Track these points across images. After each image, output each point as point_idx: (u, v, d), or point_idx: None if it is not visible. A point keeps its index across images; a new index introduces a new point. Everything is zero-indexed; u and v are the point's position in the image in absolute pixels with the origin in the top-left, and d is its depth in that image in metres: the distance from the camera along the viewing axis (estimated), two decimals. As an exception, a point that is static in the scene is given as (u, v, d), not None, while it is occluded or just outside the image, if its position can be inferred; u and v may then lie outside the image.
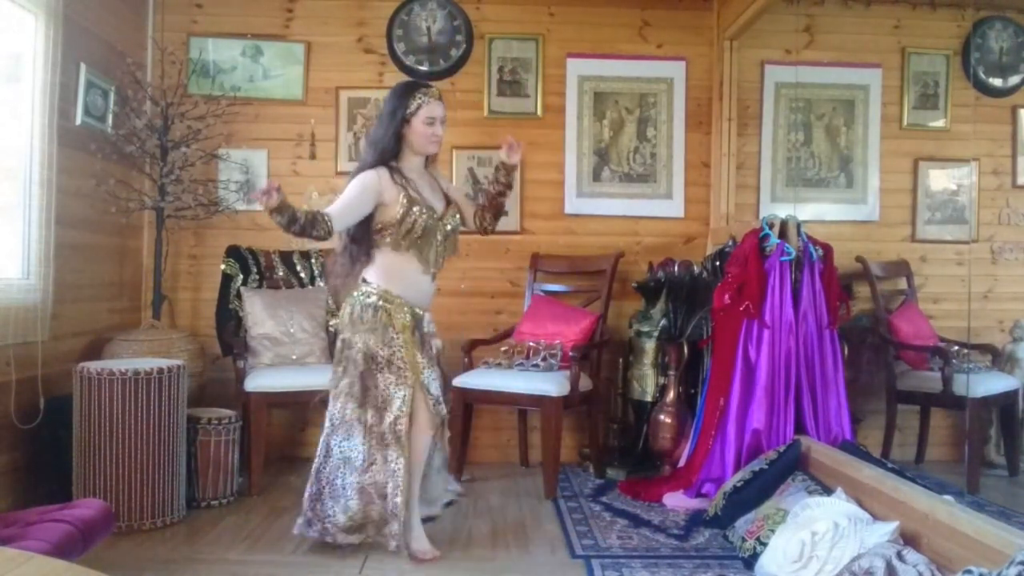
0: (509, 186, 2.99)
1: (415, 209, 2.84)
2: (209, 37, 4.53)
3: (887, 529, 2.49)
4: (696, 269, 4.24)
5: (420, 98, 2.84)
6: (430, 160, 3.03)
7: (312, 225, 2.67)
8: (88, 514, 2.10)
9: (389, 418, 2.82)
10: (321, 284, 4.44)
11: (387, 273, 2.90)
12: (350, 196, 2.81)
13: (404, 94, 2.86)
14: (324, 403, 3.03)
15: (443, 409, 2.97)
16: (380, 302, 2.86)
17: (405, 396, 2.82)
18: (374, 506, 2.86)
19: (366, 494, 2.85)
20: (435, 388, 2.93)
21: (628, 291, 4.47)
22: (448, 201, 3.02)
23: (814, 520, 2.65)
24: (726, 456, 3.63)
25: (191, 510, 3.46)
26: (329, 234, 2.75)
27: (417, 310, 2.95)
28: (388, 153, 2.86)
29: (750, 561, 2.85)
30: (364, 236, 2.91)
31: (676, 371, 4.10)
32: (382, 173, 2.84)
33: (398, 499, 2.80)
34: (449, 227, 2.95)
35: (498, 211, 3.06)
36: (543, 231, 4.62)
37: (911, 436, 4.52)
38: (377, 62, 4.61)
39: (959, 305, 4.49)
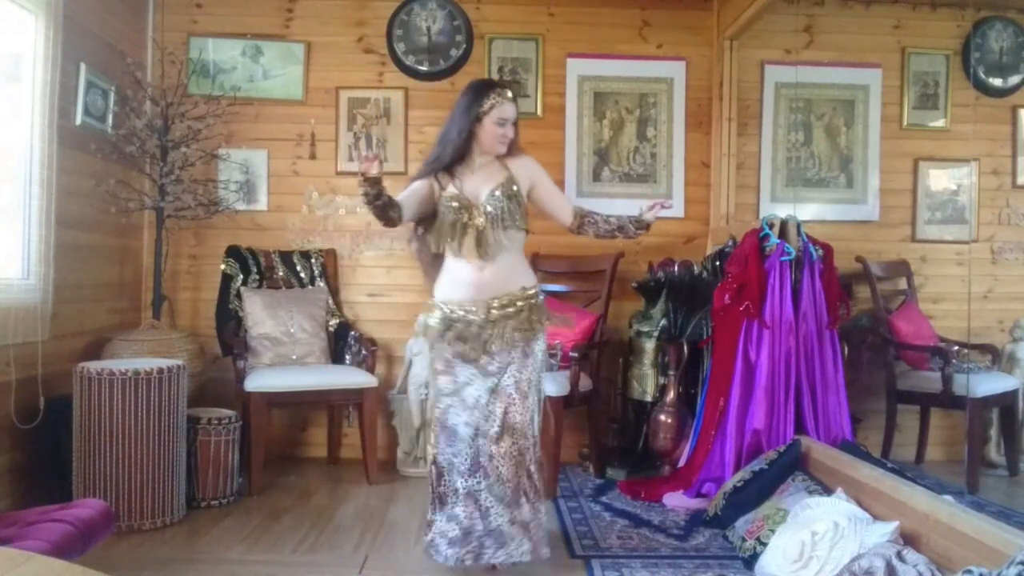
0: (635, 236, 2.94)
1: (443, 204, 2.77)
2: (209, 37, 4.53)
3: (887, 529, 2.49)
4: (696, 269, 4.24)
5: (494, 98, 2.78)
6: (511, 152, 2.89)
7: (391, 205, 2.65)
8: (88, 514, 2.10)
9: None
10: (321, 284, 4.44)
11: (442, 276, 2.85)
12: (415, 183, 2.83)
13: (479, 92, 2.81)
14: None
15: (451, 420, 2.73)
16: (432, 307, 2.83)
17: (419, 398, 2.81)
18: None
19: None
20: (445, 397, 2.74)
21: (628, 291, 4.47)
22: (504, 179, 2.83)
23: (814, 520, 2.65)
24: (726, 456, 3.63)
25: (191, 510, 3.46)
26: (400, 220, 2.71)
27: (470, 305, 2.75)
28: (456, 150, 2.80)
29: (750, 561, 2.85)
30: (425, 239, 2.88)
31: (676, 371, 4.10)
32: (431, 181, 2.81)
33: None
34: (491, 208, 2.74)
35: (607, 238, 2.94)
36: (543, 231, 4.59)
37: (911, 436, 4.52)
38: (377, 62, 4.61)
39: (959, 305, 4.49)
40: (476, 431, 2.71)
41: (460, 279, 2.79)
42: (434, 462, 2.79)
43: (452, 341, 2.74)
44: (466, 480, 2.70)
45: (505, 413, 2.72)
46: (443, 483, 2.75)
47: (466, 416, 2.72)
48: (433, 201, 2.81)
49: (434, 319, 2.79)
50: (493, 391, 2.73)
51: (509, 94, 2.83)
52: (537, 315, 2.80)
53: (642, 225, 2.89)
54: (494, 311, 2.74)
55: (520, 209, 2.81)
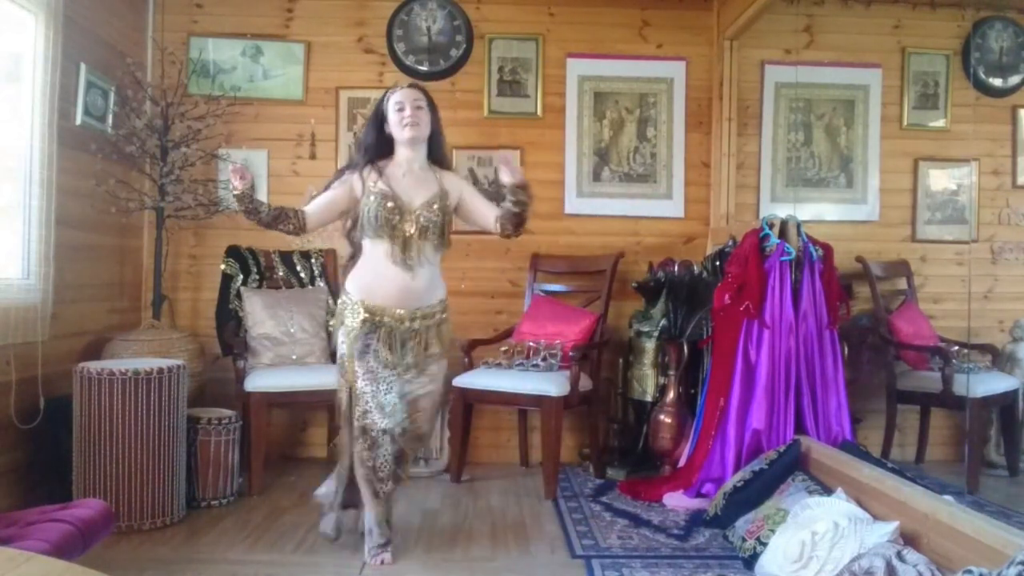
0: (523, 203, 2.87)
1: (371, 197, 2.85)
2: (209, 37, 4.53)
3: (887, 529, 2.49)
4: (696, 269, 4.24)
5: (388, 95, 2.95)
6: (438, 159, 3.02)
7: (277, 219, 2.83)
8: (88, 514, 2.10)
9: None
10: (321, 284, 4.44)
11: (357, 269, 2.93)
12: (327, 191, 2.94)
13: (382, 97, 2.98)
14: None
15: (370, 422, 2.82)
16: (344, 301, 2.93)
17: (345, 398, 2.90)
18: None
19: None
20: (366, 401, 2.82)
21: (628, 291, 4.47)
22: (440, 195, 2.93)
23: (814, 520, 2.65)
24: (726, 456, 3.63)
25: (191, 510, 3.46)
26: (300, 229, 2.88)
27: (398, 311, 2.86)
28: (371, 149, 2.94)
29: (750, 561, 2.85)
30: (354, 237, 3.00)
31: (676, 371, 4.10)
32: (362, 171, 2.92)
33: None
34: (423, 219, 2.84)
35: (519, 223, 2.93)
36: (543, 231, 4.62)
37: (911, 436, 4.52)
38: (377, 62, 4.61)
39: (959, 305, 4.49)
40: (391, 438, 2.84)
41: (387, 283, 2.86)
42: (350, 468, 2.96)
43: (376, 346, 2.84)
44: (386, 485, 2.87)
45: (413, 422, 2.91)
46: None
47: (386, 423, 2.82)
48: (353, 200, 2.91)
49: (357, 319, 2.85)
50: (403, 398, 2.87)
51: (404, 84, 3.01)
52: (447, 328, 3.01)
53: (510, 191, 2.85)
54: (417, 321, 2.88)
55: (448, 227, 2.95)
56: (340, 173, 3.01)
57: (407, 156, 2.94)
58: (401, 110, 2.88)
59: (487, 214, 2.99)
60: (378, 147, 2.95)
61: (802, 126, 4.71)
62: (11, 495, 3.25)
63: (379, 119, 2.95)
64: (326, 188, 2.98)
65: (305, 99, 4.57)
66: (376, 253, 2.87)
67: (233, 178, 2.77)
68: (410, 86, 2.98)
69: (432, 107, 2.97)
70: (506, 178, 2.86)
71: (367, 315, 2.84)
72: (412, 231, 2.85)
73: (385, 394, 2.82)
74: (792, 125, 4.70)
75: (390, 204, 2.83)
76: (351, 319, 2.86)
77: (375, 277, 2.87)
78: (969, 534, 2.26)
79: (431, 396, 2.97)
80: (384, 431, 2.81)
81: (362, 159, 2.95)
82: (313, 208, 2.91)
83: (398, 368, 2.86)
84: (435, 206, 2.88)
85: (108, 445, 3.14)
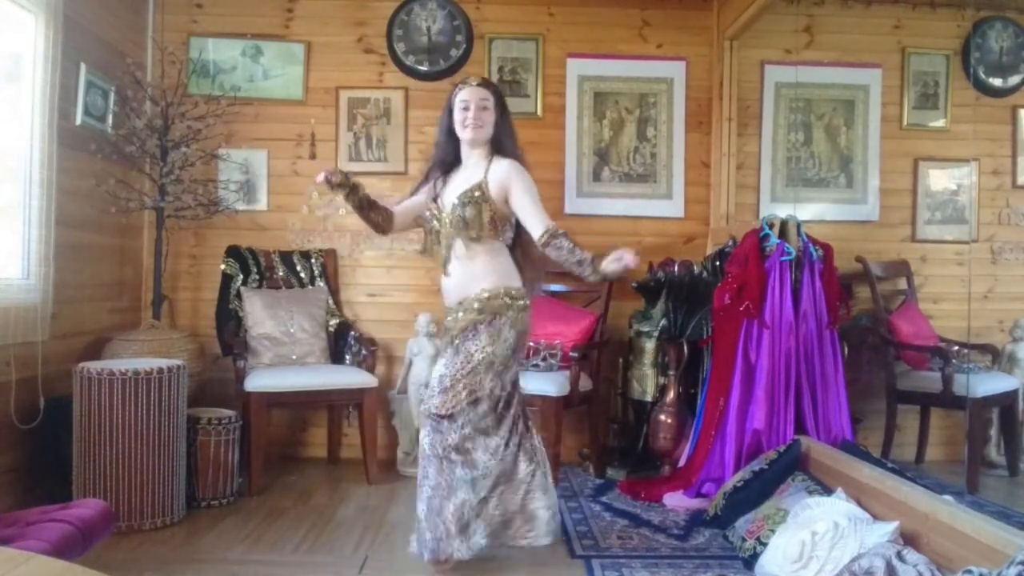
0: (585, 277, 2.70)
1: (427, 214, 2.87)
2: (209, 37, 4.53)
3: (887, 529, 2.49)
4: (696, 269, 4.24)
5: (456, 90, 2.84)
6: (503, 150, 2.84)
7: (374, 207, 2.80)
8: (88, 514, 2.10)
9: None
10: (321, 284, 4.44)
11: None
12: (412, 196, 2.94)
13: (450, 94, 2.88)
14: None
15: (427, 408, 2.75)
16: (503, 303, 2.81)
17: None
18: None
19: None
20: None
21: (628, 291, 4.47)
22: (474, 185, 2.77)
23: (814, 520, 2.65)
24: (726, 456, 3.63)
25: (191, 510, 3.46)
26: (384, 229, 2.84)
27: (454, 312, 2.79)
28: (441, 148, 2.89)
29: (750, 561, 2.85)
30: None
31: (676, 371, 4.10)
32: (423, 188, 2.91)
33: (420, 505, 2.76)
34: (455, 215, 2.73)
35: (563, 265, 2.73)
36: (543, 231, 4.61)
37: (911, 436, 4.52)
38: (377, 62, 4.61)
39: (959, 305, 4.49)
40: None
41: (444, 286, 2.87)
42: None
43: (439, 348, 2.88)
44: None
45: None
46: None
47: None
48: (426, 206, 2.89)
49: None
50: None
51: (473, 82, 2.84)
52: (494, 309, 2.72)
53: (598, 273, 2.61)
54: (459, 315, 2.76)
55: (480, 217, 2.71)
56: (425, 178, 2.94)
57: (471, 154, 2.84)
58: (466, 109, 2.77)
59: (530, 223, 2.72)
60: (448, 145, 2.87)
61: (802, 126, 4.71)
62: (11, 495, 3.25)
63: (448, 117, 2.85)
64: (412, 193, 2.96)
65: (305, 99, 4.58)
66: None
67: (331, 177, 2.67)
68: (480, 84, 2.81)
69: (500, 106, 2.83)
70: (613, 266, 2.57)
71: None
72: (446, 230, 2.77)
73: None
74: (792, 125, 4.70)
75: (428, 211, 2.85)
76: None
77: (442, 282, 2.88)
78: (969, 534, 2.26)
79: (451, 369, 2.84)
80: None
81: (437, 162, 2.90)
82: (399, 210, 2.88)
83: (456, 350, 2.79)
84: (456, 200, 2.74)
85: (108, 445, 3.14)
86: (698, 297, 4.13)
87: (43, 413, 3.32)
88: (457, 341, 2.74)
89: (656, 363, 4.24)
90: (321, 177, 2.69)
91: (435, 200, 2.85)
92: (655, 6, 4.66)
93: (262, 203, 4.55)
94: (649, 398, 4.25)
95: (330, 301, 4.40)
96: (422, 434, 2.80)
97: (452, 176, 2.87)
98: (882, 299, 4.49)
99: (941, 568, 2.26)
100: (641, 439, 4.30)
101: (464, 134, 2.79)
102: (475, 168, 2.81)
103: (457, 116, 2.79)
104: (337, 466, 4.35)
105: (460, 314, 2.75)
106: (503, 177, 2.75)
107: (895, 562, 2.26)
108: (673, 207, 4.66)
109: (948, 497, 2.72)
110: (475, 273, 2.76)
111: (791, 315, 3.66)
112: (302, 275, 4.44)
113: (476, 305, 2.72)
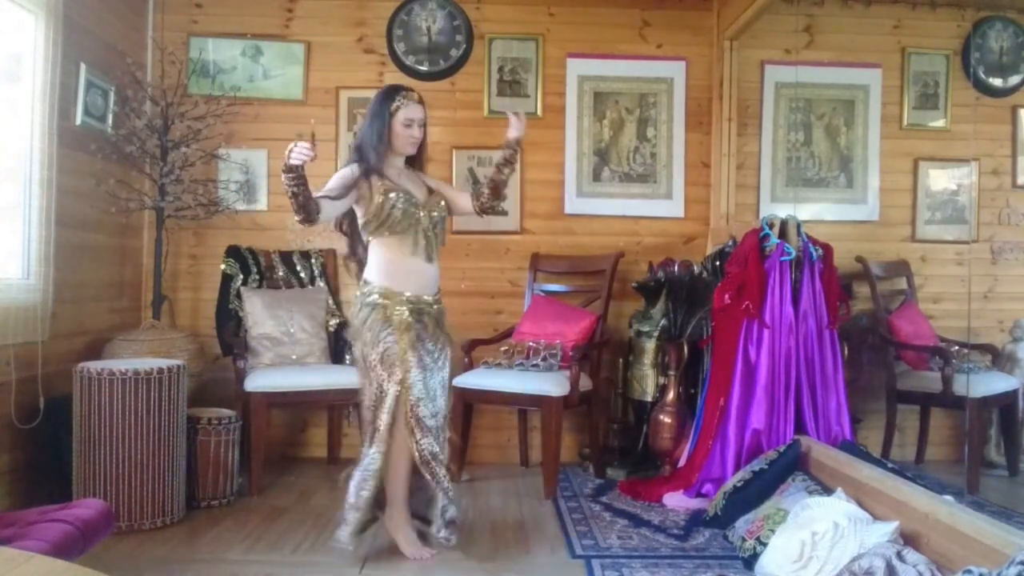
0: (511, 161, 2.99)
1: (392, 195, 2.91)
2: (209, 37, 4.53)
3: (887, 529, 2.49)
4: (696, 269, 4.24)
5: (400, 100, 2.95)
6: (419, 164, 3.12)
7: (307, 205, 2.77)
8: (88, 514, 2.10)
9: (382, 415, 2.85)
10: (321, 284, 4.44)
11: (384, 266, 2.95)
12: (328, 185, 2.93)
13: (386, 96, 2.97)
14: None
15: (423, 412, 2.85)
16: (380, 299, 2.91)
17: (394, 393, 2.84)
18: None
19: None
20: (419, 390, 2.84)
21: (628, 291, 4.47)
22: (431, 193, 3.08)
23: (814, 520, 2.65)
24: (726, 456, 3.63)
25: (191, 510, 3.46)
26: (310, 216, 2.78)
27: (425, 297, 2.97)
28: (372, 152, 2.93)
29: (750, 561, 2.85)
30: (357, 234, 3.05)
31: (676, 371, 4.10)
32: (358, 168, 2.93)
33: (364, 492, 2.87)
34: (435, 214, 3.01)
35: (496, 188, 3.02)
36: (543, 231, 4.62)
37: (911, 436, 4.52)
38: (377, 62, 4.61)
39: (959, 305, 4.49)
40: (437, 424, 2.91)
41: (415, 274, 2.95)
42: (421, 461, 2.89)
43: (424, 334, 2.92)
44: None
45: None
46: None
47: (431, 408, 2.89)
48: (359, 199, 2.93)
49: (402, 309, 2.89)
50: (442, 384, 2.99)
51: (416, 96, 3.00)
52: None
53: (508, 158, 2.97)
54: (435, 307, 3.02)
55: (445, 227, 3.12)
56: (347, 172, 2.94)
57: (397, 162, 3.04)
58: (409, 127, 2.96)
59: (465, 198, 3.13)
60: (378, 150, 2.94)
61: (802, 126, 4.71)
62: (11, 495, 3.25)
63: (383, 122, 2.94)
64: (336, 190, 2.91)
65: (305, 99, 4.58)
66: (397, 247, 2.94)
67: (302, 151, 2.66)
68: (419, 102, 3.00)
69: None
70: (514, 132, 2.95)
71: (411, 305, 2.92)
72: (428, 224, 2.98)
73: (430, 380, 2.92)
74: (792, 125, 4.70)
75: (412, 200, 2.95)
76: (399, 314, 2.88)
77: (405, 269, 2.95)
78: (969, 534, 2.26)
79: (446, 381, 3.05)
80: (433, 415, 2.89)
81: (375, 161, 2.92)
82: (325, 207, 2.87)
83: (438, 355, 2.98)
84: (441, 203, 3.06)
85: (108, 445, 3.14)
86: (698, 297, 4.13)
87: (43, 413, 3.32)
88: (440, 345, 3.01)
89: (656, 363, 4.24)
90: (312, 154, 2.67)
91: (384, 187, 2.89)
92: (655, 6, 4.66)
93: (262, 203, 4.55)
94: (649, 398, 4.25)
95: (330, 301, 4.40)
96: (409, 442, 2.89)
97: (392, 176, 2.96)
98: (882, 299, 4.49)
99: (941, 568, 2.26)
100: (641, 439, 4.30)
101: (407, 149, 3.00)
102: (413, 176, 3.06)
103: (402, 131, 2.96)
104: (337, 466, 4.33)
105: (436, 307, 3.02)
106: (439, 186, 3.16)
107: (895, 562, 2.26)
108: (673, 207, 4.66)
109: (948, 497, 2.72)
110: (437, 276, 3.06)
111: (791, 315, 3.66)
112: (302, 275, 4.44)
113: (438, 307, 3.04)
